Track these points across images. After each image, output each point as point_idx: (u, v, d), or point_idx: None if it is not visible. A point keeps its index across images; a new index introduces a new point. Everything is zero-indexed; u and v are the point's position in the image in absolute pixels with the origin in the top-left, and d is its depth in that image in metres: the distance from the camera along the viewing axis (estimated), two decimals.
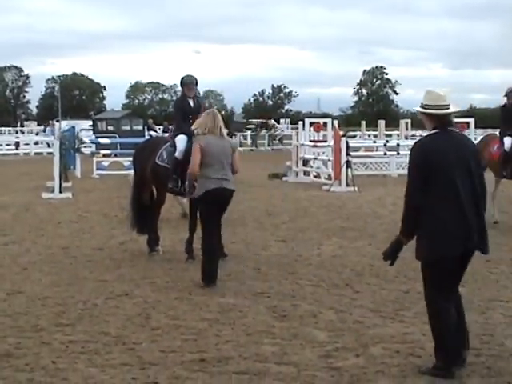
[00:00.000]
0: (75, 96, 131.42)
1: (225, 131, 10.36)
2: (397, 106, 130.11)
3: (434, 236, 6.37)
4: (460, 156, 6.43)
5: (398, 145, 29.61)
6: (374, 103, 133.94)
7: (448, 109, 6.58)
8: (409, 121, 40.71)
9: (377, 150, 31.19)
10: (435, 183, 6.37)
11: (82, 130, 42.73)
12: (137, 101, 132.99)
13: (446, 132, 6.55)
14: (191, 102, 12.78)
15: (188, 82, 12.89)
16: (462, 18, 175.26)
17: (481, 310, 8.65)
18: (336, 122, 27.98)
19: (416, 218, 6.47)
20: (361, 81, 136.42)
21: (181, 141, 12.33)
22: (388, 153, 28.87)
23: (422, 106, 6.64)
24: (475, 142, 16.91)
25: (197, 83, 13.08)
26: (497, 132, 15.92)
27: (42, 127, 67.40)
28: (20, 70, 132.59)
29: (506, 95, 15.42)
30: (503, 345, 7.31)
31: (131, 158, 14.38)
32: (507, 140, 15.17)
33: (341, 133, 24.53)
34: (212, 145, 10.09)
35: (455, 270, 6.54)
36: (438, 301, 6.48)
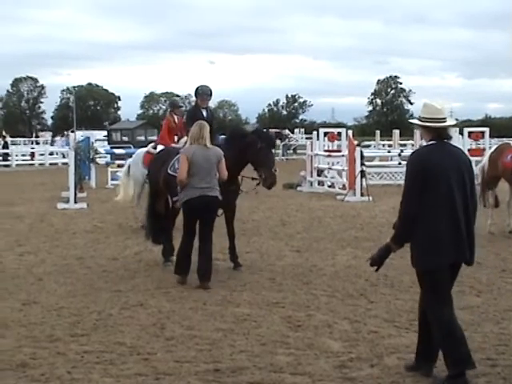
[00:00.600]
0: (90, 106, 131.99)
1: (209, 142, 10.73)
2: (411, 115, 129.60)
3: (429, 245, 6.46)
4: (455, 168, 6.51)
5: None
6: (389, 113, 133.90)
7: (445, 122, 6.65)
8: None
9: (391, 160, 31.12)
10: (431, 193, 6.45)
11: (96, 140, 43.00)
12: (151, 111, 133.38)
13: (442, 144, 6.63)
14: (204, 112, 12.86)
15: (202, 93, 12.96)
16: (477, 27, 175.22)
17: (496, 320, 8.61)
18: (350, 132, 27.91)
19: (410, 227, 6.54)
20: (375, 90, 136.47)
21: None
22: (402, 162, 28.73)
23: (419, 119, 6.73)
24: (490, 151, 16.88)
25: (211, 94, 13.14)
26: (511, 141, 15.85)
27: (50, 139, 67.08)
28: (35, 80, 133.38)
29: None
30: None
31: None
32: None
33: (355, 142, 24.50)
34: (196, 155, 10.58)
35: (448, 278, 6.60)
36: (438, 307, 6.54)
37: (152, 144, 18.07)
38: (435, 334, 6.56)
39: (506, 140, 30.68)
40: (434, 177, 6.41)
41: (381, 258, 6.89)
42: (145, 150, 17.82)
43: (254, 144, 11.63)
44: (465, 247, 6.48)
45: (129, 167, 17.93)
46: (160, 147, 16.34)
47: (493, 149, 16.76)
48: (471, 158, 25.20)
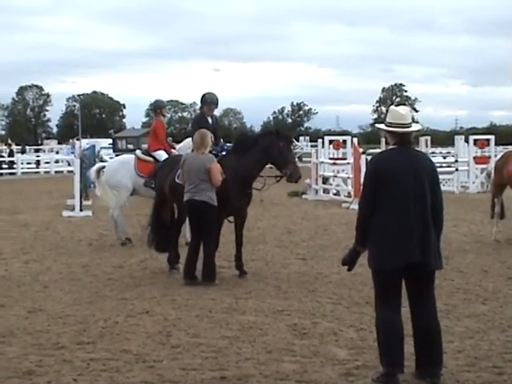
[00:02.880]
0: (95, 114, 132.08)
1: (207, 150, 11.29)
2: (417, 123, 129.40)
3: (380, 246, 6.64)
4: (414, 172, 6.63)
5: None
6: None
7: (409, 127, 6.85)
8: (428, 138, 40.54)
9: None
10: (384, 195, 6.60)
11: (102, 148, 42.96)
12: None
13: (404, 148, 6.80)
14: (209, 120, 12.92)
15: (209, 102, 13.02)
16: (482, 34, 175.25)
17: (502, 328, 8.58)
18: (355, 140, 27.94)
19: (365, 228, 6.75)
20: (380, 98, 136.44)
21: None
22: None
23: (385, 124, 6.89)
24: (495, 159, 16.87)
25: (217, 103, 13.18)
26: None
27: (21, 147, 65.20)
28: (41, 88, 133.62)
29: None
30: None
31: None
32: None
33: (360, 150, 24.50)
34: (186, 162, 11.32)
35: (398, 282, 6.72)
36: (381, 307, 6.71)
37: (139, 151, 16.41)
38: (376, 330, 6.78)
39: (511, 148, 30.67)
40: (387, 179, 6.59)
41: (351, 259, 7.11)
42: (130, 156, 16.22)
43: (276, 143, 11.76)
44: (415, 249, 6.54)
45: (99, 172, 16.35)
46: (161, 153, 15.39)
47: (498, 157, 16.76)
48: (476, 166, 25.24)
